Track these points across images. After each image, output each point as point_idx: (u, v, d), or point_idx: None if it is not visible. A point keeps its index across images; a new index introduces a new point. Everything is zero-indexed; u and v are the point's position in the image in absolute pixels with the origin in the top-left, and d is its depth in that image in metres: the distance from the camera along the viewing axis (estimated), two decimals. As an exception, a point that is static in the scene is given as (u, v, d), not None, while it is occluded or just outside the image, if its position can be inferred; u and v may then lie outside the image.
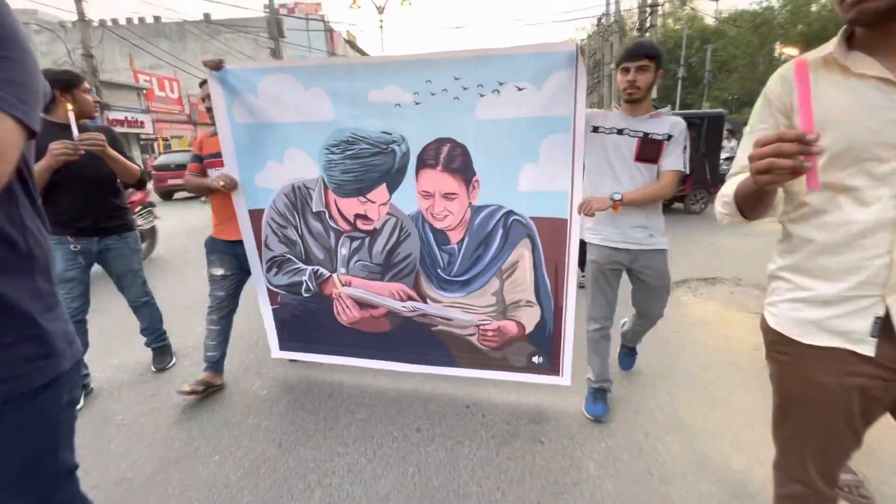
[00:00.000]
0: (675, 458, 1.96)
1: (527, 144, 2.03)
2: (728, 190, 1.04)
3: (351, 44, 43.96)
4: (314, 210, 2.33)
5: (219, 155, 2.34)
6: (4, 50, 0.67)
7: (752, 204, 0.96)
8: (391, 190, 2.21)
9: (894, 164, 0.87)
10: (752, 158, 0.80)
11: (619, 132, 2.05)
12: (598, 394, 2.29)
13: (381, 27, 22.47)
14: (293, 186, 2.32)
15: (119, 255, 2.58)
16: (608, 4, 21.66)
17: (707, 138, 7.59)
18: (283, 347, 2.65)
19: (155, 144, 22.82)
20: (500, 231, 2.16)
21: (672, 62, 20.60)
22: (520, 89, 1.98)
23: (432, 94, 2.05)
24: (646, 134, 2.01)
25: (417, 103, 2.07)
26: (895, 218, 0.88)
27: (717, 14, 21.34)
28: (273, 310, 2.58)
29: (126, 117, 19.76)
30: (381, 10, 21.39)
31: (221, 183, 2.25)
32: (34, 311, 0.80)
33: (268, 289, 2.53)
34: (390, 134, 2.14)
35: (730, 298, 3.95)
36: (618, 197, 1.98)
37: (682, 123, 2.01)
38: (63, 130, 2.19)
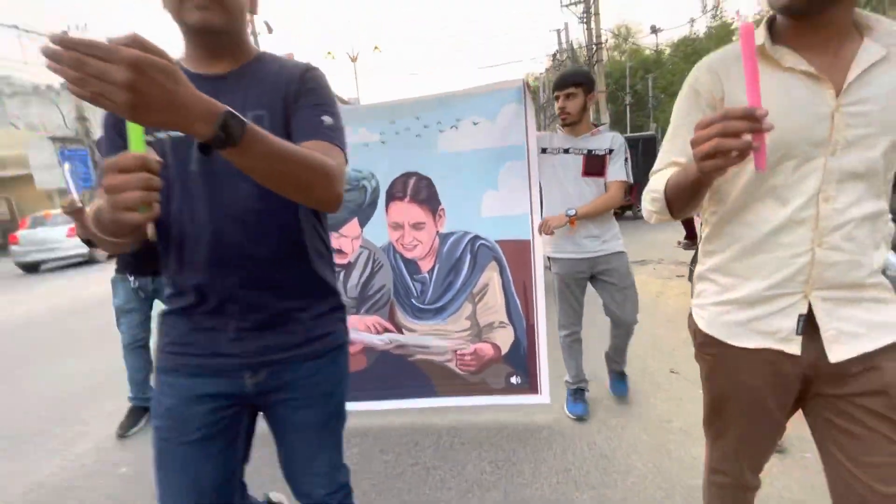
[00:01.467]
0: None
1: (486, 172, 2.13)
2: (656, 185, 0.97)
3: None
4: None
5: None
6: (333, 107, 0.93)
7: (685, 198, 0.89)
8: (362, 224, 2.25)
9: (818, 162, 0.84)
10: (694, 143, 0.73)
11: (566, 151, 2.17)
12: (577, 394, 2.37)
13: (355, 76, 22.97)
14: None
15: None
16: (559, 42, 22.89)
17: (644, 156, 9.21)
18: None
19: None
20: (469, 256, 2.21)
21: (620, 90, 21.87)
22: (475, 123, 2.11)
23: (396, 133, 2.16)
24: (589, 151, 2.13)
25: (384, 142, 2.17)
26: (815, 215, 0.85)
27: (655, 46, 22.84)
28: None
29: None
30: (354, 59, 21.99)
31: None
32: (338, 292, 1.08)
33: None
34: (360, 172, 2.21)
35: (652, 272, 5.50)
36: (572, 213, 2.09)
37: (621, 138, 2.15)
38: None
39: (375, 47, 21.70)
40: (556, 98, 2.16)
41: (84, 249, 10.23)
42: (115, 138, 0.90)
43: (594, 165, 2.12)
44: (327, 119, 0.90)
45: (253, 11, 0.98)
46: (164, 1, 0.87)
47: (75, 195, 2.21)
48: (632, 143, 9.11)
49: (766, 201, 0.89)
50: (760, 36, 0.88)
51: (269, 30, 14.20)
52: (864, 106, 0.82)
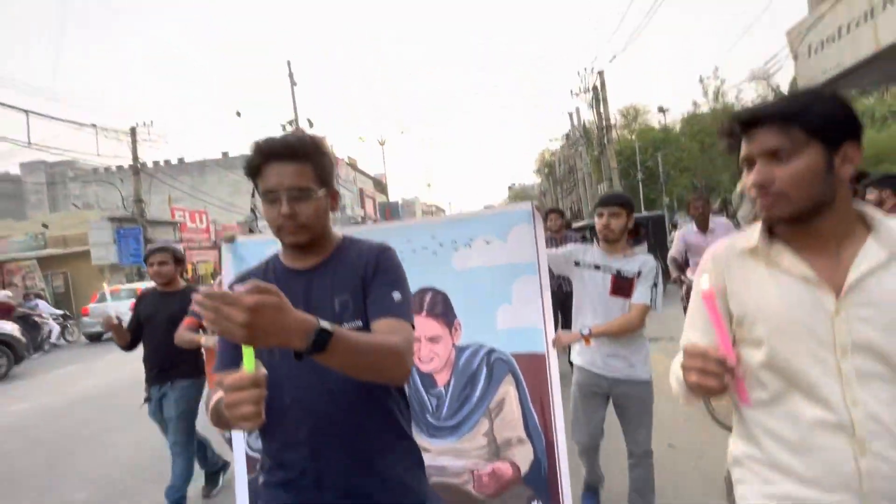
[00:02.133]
0: None
1: (500, 287, 2.14)
2: (677, 370, 0.92)
3: (352, 166, 47.68)
4: None
5: None
6: (402, 283, 1.07)
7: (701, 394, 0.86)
8: None
9: (831, 364, 0.79)
10: (682, 368, 0.79)
11: (597, 268, 2.18)
12: (589, 489, 2.39)
13: (383, 160, 24.62)
14: None
15: (168, 401, 2.74)
16: (572, 124, 24.10)
17: (654, 234, 9.81)
18: None
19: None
20: (485, 369, 2.16)
21: (631, 167, 22.47)
22: (488, 242, 2.14)
23: (413, 252, 2.18)
24: (619, 271, 2.13)
25: (414, 251, 2.20)
26: (850, 422, 0.77)
27: (662, 125, 23.75)
28: (249, 480, 2.21)
29: None
30: (382, 143, 23.73)
31: (211, 344, 2.33)
32: (415, 442, 1.13)
33: (246, 454, 2.24)
34: None
35: (662, 349, 5.23)
36: (586, 331, 2.08)
37: (652, 262, 2.12)
38: (163, 295, 2.80)
39: (402, 131, 23.33)
40: (601, 215, 2.16)
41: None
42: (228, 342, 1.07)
43: (622, 287, 2.12)
44: (397, 295, 1.03)
45: (333, 210, 1.12)
46: (267, 220, 1.04)
47: (112, 313, 2.56)
48: (643, 222, 9.03)
49: (796, 396, 0.83)
50: (753, 238, 0.87)
51: (311, 125, 15.61)
52: (866, 310, 0.78)
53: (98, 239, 18.32)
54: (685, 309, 4.14)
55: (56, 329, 12.01)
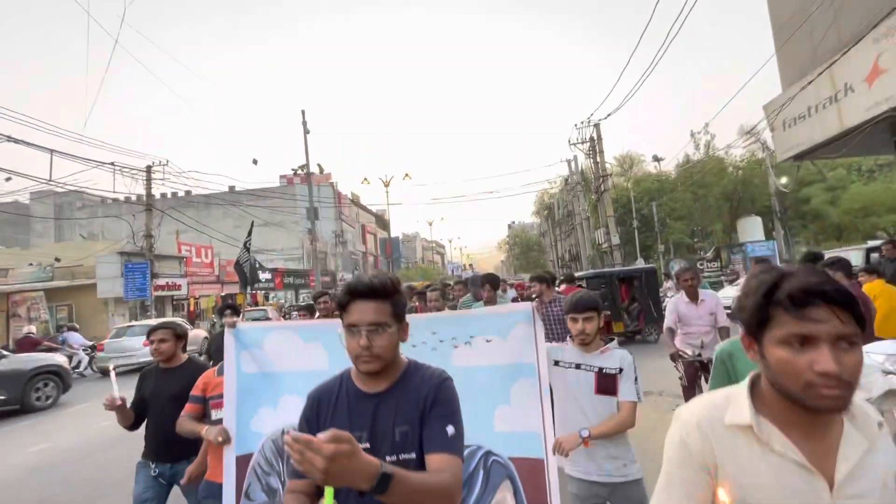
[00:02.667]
0: None
1: (499, 388, 2.10)
2: None
3: (354, 202, 48.72)
4: None
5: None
6: (457, 416, 1.18)
7: None
8: None
9: None
10: None
11: (577, 367, 2.20)
12: None
13: (387, 201, 25.51)
14: (283, 430, 2.21)
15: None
16: (570, 171, 25.18)
17: (647, 286, 10.12)
18: None
19: (185, 303, 23.85)
20: (482, 472, 2.03)
21: (627, 214, 23.36)
22: (488, 341, 2.13)
23: (413, 346, 2.12)
24: (601, 369, 2.16)
25: (414, 346, 2.17)
26: None
27: (658, 174, 24.85)
28: None
29: (167, 282, 21.05)
30: (387, 184, 24.74)
31: (220, 438, 2.14)
32: None
33: None
34: None
35: (653, 403, 5.56)
36: (585, 434, 2.03)
37: (629, 357, 2.18)
38: (165, 371, 2.76)
39: (406, 175, 24.37)
40: (575, 320, 2.19)
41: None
42: (306, 431, 1.20)
43: (606, 384, 2.14)
44: (450, 429, 1.13)
45: (403, 340, 1.24)
46: (347, 348, 1.17)
47: (116, 394, 2.50)
48: (636, 274, 10.28)
49: None
50: (745, 414, 0.84)
51: (321, 170, 16.41)
52: (860, 501, 0.79)
53: (105, 272, 18.68)
54: (684, 389, 4.01)
55: (85, 360, 12.41)
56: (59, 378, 8.91)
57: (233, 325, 2.31)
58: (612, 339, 2.27)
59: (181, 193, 34.33)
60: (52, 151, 15.38)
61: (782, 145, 8.54)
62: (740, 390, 0.88)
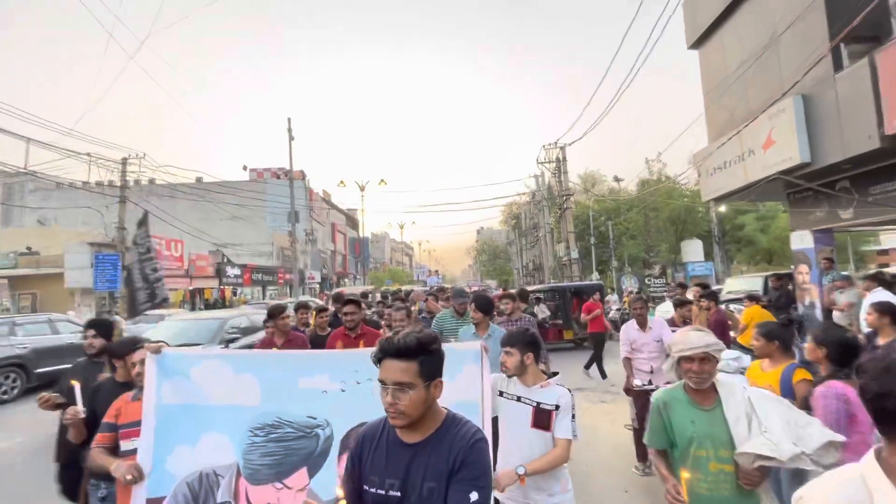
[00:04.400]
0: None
1: None
2: None
3: (325, 200, 48.91)
4: (219, 501, 2.04)
5: (138, 423, 2.07)
6: (484, 481, 1.21)
7: None
8: (311, 474, 2.07)
9: None
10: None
11: (518, 399, 2.24)
12: None
13: (362, 209, 26.42)
14: (200, 475, 2.06)
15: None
16: (537, 186, 27.12)
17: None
18: None
19: None
20: None
21: (586, 230, 25.63)
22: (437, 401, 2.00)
23: (357, 383, 2.13)
24: (538, 403, 2.19)
25: (343, 391, 2.14)
26: None
27: (617, 196, 27.22)
28: None
29: None
30: (362, 188, 25.72)
31: (129, 477, 1.93)
32: None
33: None
34: (315, 419, 2.10)
35: (586, 397, 6.96)
36: (521, 471, 2.06)
37: (568, 396, 2.22)
38: (122, 386, 2.39)
39: (381, 181, 25.52)
40: (506, 353, 2.25)
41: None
42: (350, 468, 1.32)
43: (541, 419, 2.17)
44: (474, 496, 1.15)
45: (436, 397, 1.26)
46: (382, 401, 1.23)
47: (80, 407, 2.28)
48: (585, 289, 12.59)
49: None
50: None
51: (304, 175, 17.09)
52: None
53: (74, 263, 18.69)
54: (634, 431, 4.69)
55: None
56: (23, 370, 8.56)
57: (156, 351, 2.13)
58: (555, 374, 2.35)
59: (144, 182, 33.55)
60: (28, 140, 15.55)
61: (706, 188, 10.39)
62: (873, 472, 0.85)
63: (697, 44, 10.25)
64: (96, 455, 2.11)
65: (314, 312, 5.05)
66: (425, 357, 1.23)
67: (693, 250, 22.38)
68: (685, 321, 4.77)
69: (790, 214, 9.29)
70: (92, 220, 24.86)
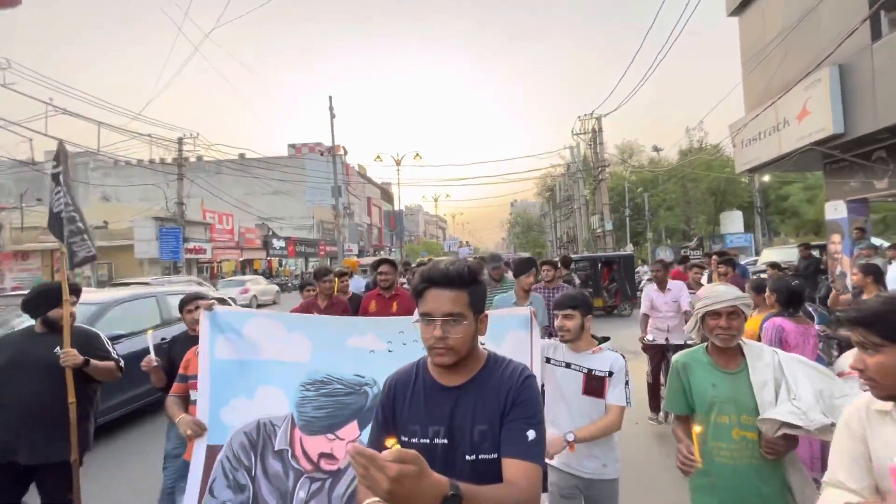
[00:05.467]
0: None
1: None
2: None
3: (361, 174, 50.11)
4: (276, 448, 2.13)
5: None
6: (538, 418, 1.15)
7: None
8: (362, 427, 2.14)
9: None
10: None
11: (567, 366, 2.18)
12: None
13: (398, 182, 27.20)
14: (258, 423, 2.17)
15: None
16: (572, 158, 26.92)
17: (624, 269, 12.41)
18: None
19: (207, 266, 25.91)
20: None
21: (622, 202, 25.45)
22: (482, 345, 2.10)
23: (404, 345, 2.15)
24: (590, 370, 2.14)
25: (391, 351, 2.18)
26: None
27: (655, 166, 26.65)
28: None
29: (195, 246, 23.32)
30: (398, 162, 26.54)
31: (189, 432, 2.09)
32: None
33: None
34: (363, 377, 2.17)
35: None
36: (570, 437, 2.02)
37: (621, 360, 2.15)
38: (193, 339, 2.47)
39: (416, 154, 26.21)
40: (555, 316, 2.19)
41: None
42: (382, 419, 1.24)
43: (594, 386, 2.12)
44: (531, 434, 1.10)
45: (481, 333, 1.19)
46: (422, 338, 1.15)
47: (153, 355, 2.58)
48: (615, 259, 13.63)
49: None
50: (886, 404, 1.07)
51: (346, 152, 17.96)
52: None
53: (141, 235, 20.74)
54: (649, 385, 5.14)
55: None
56: None
57: (210, 308, 2.21)
58: (607, 339, 2.25)
59: (192, 159, 35.42)
60: (99, 124, 17.24)
61: (740, 160, 10.47)
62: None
63: (738, 10, 10.12)
64: (169, 405, 2.31)
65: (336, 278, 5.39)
66: (475, 287, 1.17)
67: (733, 222, 21.94)
68: (699, 284, 5.23)
69: (826, 185, 9.33)
70: (149, 195, 26.93)
